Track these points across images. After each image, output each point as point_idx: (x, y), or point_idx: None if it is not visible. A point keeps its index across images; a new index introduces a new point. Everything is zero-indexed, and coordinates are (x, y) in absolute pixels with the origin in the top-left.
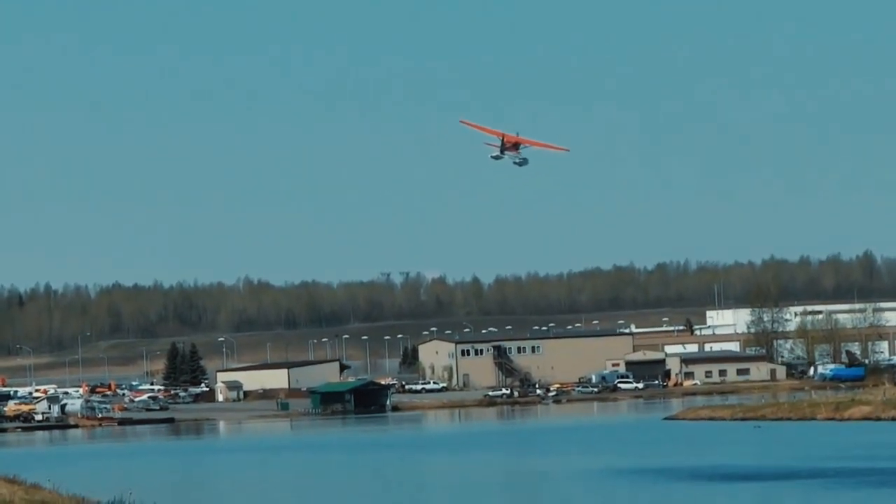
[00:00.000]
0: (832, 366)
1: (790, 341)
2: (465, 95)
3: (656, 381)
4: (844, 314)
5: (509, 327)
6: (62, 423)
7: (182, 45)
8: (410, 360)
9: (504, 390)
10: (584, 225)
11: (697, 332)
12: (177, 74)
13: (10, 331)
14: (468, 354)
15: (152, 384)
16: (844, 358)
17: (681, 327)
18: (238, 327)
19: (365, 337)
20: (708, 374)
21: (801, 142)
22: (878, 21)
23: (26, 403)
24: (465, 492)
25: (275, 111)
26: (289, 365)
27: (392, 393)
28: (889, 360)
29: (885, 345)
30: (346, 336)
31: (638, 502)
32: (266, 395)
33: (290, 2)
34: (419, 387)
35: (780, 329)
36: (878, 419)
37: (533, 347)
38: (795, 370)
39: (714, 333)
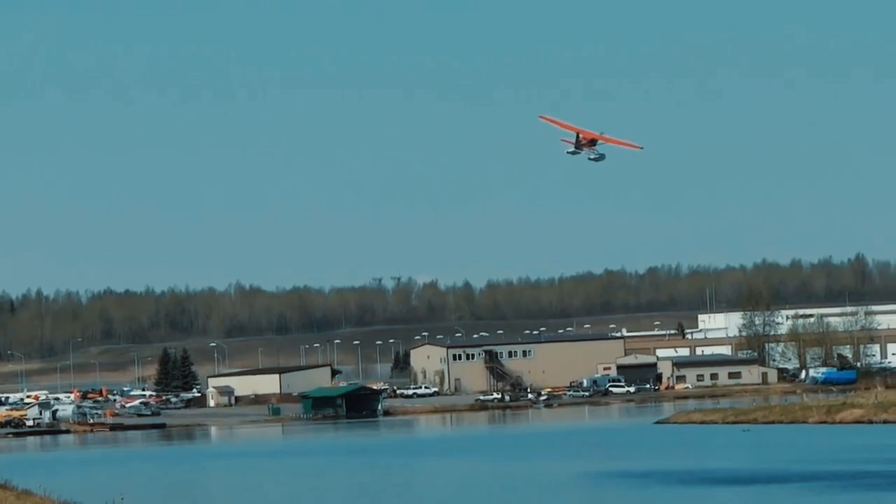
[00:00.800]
0: (824, 369)
1: (782, 345)
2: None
3: (648, 385)
4: (836, 317)
5: (501, 332)
6: (53, 429)
7: (178, 45)
8: (402, 364)
9: (495, 395)
10: (575, 229)
11: (689, 336)
12: (170, 77)
13: (1, 337)
14: (460, 359)
15: (144, 390)
16: (836, 361)
17: (672, 331)
18: (230, 333)
19: (356, 342)
20: (699, 377)
21: (792, 145)
22: (871, 23)
23: (17, 409)
24: (457, 496)
25: (266, 115)
26: (280, 370)
27: (384, 398)
28: (880, 363)
29: (876, 348)
30: (338, 341)
31: None
32: (258, 400)
33: None
34: (411, 391)
35: (772, 333)
36: (870, 422)
37: (524, 352)
38: (787, 374)
39: (706, 337)
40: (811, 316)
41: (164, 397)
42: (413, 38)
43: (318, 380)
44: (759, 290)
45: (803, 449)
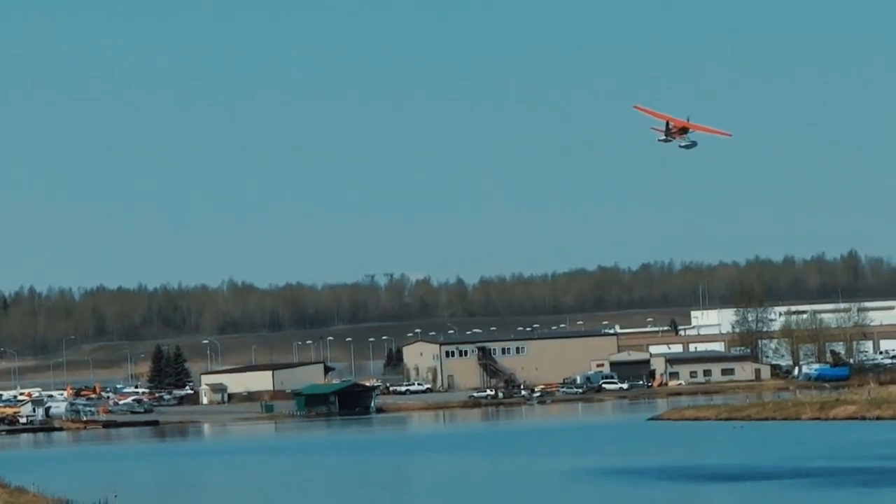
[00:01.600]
0: (817, 365)
1: (775, 341)
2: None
3: (641, 382)
4: (829, 314)
5: (494, 328)
6: (47, 426)
7: (173, 43)
8: (395, 361)
9: (489, 391)
10: (568, 226)
11: (682, 333)
12: (164, 75)
13: None
14: (453, 356)
15: (137, 387)
16: (829, 358)
17: (665, 328)
18: (222, 329)
19: (349, 339)
20: (693, 374)
21: (785, 142)
22: (861, 21)
23: (11, 406)
24: (450, 493)
25: (258, 113)
26: (273, 367)
27: (377, 394)
28: (873, 359)
29: (869, 344)
30: (331, 338)
31: (622, 503)
32: (250, 397)
33: None
34: (404, 388)
35: (765, 329)
36: (863, 419)
37: (517, 348)
38: (780, 370)
39: (699, 334)
40: (804, 312)
41: (157, 394)
42: (412, 37)
43: (310, 377)
44: (752, 286)
45: (796, 445)
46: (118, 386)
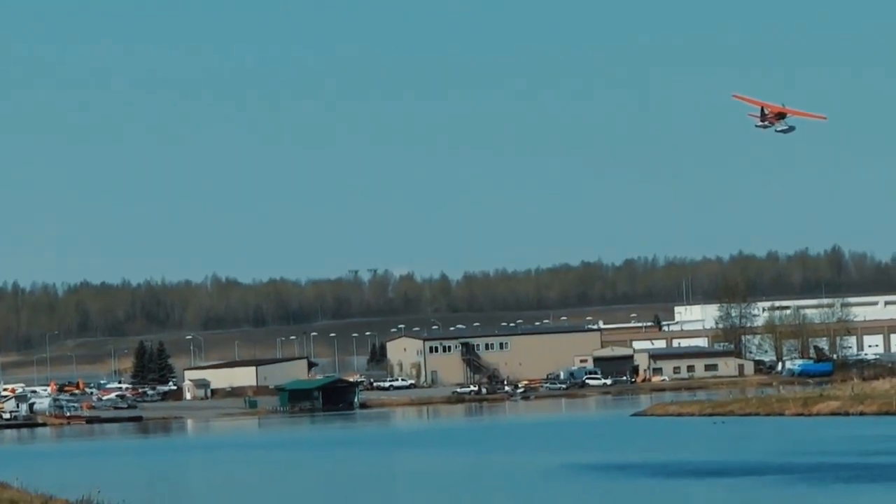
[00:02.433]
0: (800, 361)
1: (758, 337)
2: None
3: (624, 378)
4: (812, 309)
5: (477, 324)
6: (30, 422)
7: (165, 39)
8: (378, 357)
9: (472, 387)
10: (551, 221)
11: (665, 328)
12: (147, 70)
13: None
14: (436, 351)
15: (120, 382)
16: (812, 353)
17: (649, 323)
18: (206, 325)
19: (333, 334)
20: (676, 369)
21: (768, 138)
22: (852, 18)
23: None
24: (433, 489)
25: (242, 108)
26: (257, 363)
27: (360, 390)
28: (857, 355)
29: (853, 340)
30: (314, 334)
31: (606, 498)
32: (234, 392)
33: None
34: (387, 384)
35: (749, 325)
36: (847, 414)
37: (501, 344)
38: (763, 366)
39: (682, 329)
40: (787, 308)
41: (140, 390)
42: (391, 33)
43: (294, 372)
44: (735, 282)
45: (780, 441)
46: (102, 382)
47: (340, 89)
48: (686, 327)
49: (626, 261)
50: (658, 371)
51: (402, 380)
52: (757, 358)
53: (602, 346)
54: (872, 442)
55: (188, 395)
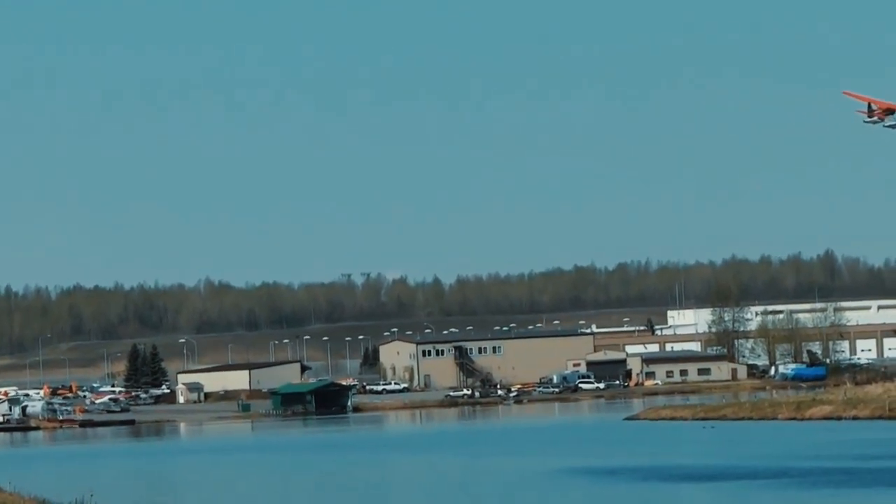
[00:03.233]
0: (793, 365)
1: (751, 341)
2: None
3: (617, 382)
4: (805, 314)
5: (470, 328)
6: (23, 426)
7: (150, 45)
8: (371, 360)
9: (465, 391)
10: (544, 225)
11: (658, 332)
12: (141, 73)
13: None
14: (429, 355)
15: (113, 386)
16: (805, 358)
17: (642, 327)
18: (199, 329)
19: (326, 338)
20: (669, 374)
21: (761, 141)
22: (848, 21)
23: None
24: (426, 492)
25: (235, 111)
26: (250, 366)
27: (353, 394)
28: (850, 359)
29: (845, 344)
30: (307, 337)
31: (598, 503)
32: (227, 396)
33: None
34: (380, 388)
35: (741, 329)
36: (839, 419)
37: (494, 348)
38: (756, 370)
39: (675, 333)
40: (780, 312)
41: (133, 393)
42: (389, 37)
43: (287, 376)
44: (728, 286)
45: (773, 445)
46: (94, 385)
47: (334, 92)
48: (679, 331)
49: (619, 265)
50: (651, 375)
51: (395, 383)
52: (750, 362)
53: (595, 350)
54: (865, 446)
55: (181, 399)
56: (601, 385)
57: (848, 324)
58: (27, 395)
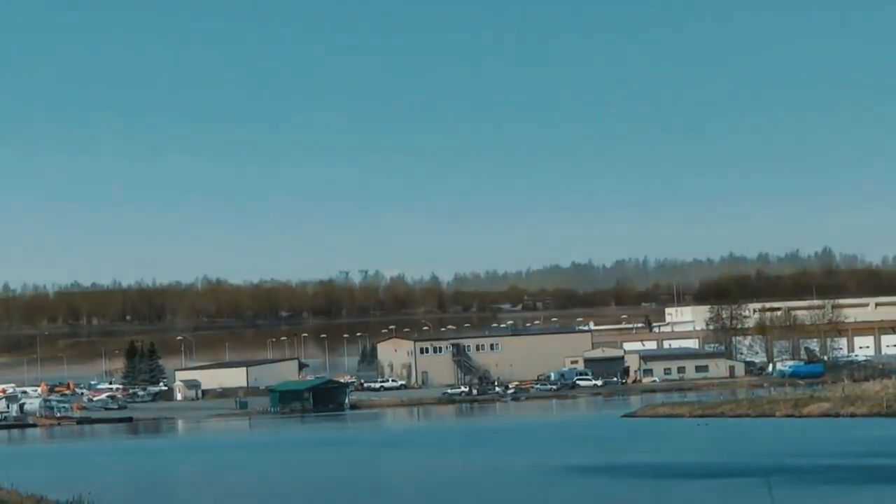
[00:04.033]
0: (791, 362)
1: (749, 338)
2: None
3: (615, 379)
4: (803, 311)
5: (468, 325)
6: (21, 423)
7: (151, 41)
8: (369, 358)
9: (463, 388)
10: (542, 223)
11: (656, 330)
12: (138, 72)
13: None
14: (427, 352)
15: (111, 383)
16: (803, 355)
17: (640, 325)
18: (197, 326)
19: (323, 335)
20: (667, 371)
21: (760, 139)
22: (846, 21)
23: None
24: (423, 489)
25: (232, 109)
26: (247, 363)
27: (351, 391)
28: (848, 356)
29: (843, 341)
30: (305, 334)
31: (595, 500)
32: (224, 393)
33: None
34: (378, 385)
35: (739, 326)
36: (837, 416)
37: (492, 345)
38: (754, 367)
39: (673, 330)
40: (778, 309)
41: (131, 391)
42: (403, 42)
43: (285, 373)
44: (726, 283)
45: (770, 442)
46: (92, 382)
47: (332, 94)
48: (677, 328)
49: (616, 262)
50: (649, 372)
51: (393, 381)
52: (748, 359)
53: (593, 348)
54: (863, 443)
55: (179, 396)
56: (599, 382)
57: (846, 321)
58: (25, 392)
